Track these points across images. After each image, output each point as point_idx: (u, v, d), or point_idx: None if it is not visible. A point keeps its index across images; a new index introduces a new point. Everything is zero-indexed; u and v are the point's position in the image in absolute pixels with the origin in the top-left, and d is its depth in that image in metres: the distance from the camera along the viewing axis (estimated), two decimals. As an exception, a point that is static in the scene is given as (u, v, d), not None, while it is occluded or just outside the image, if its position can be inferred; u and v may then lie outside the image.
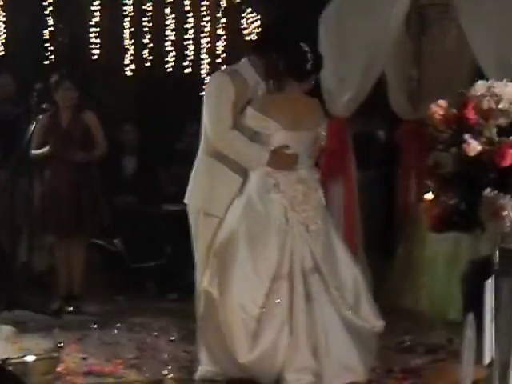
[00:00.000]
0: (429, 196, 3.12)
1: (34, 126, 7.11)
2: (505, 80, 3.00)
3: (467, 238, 5.88)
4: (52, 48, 10.39)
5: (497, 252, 3.00)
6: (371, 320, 4.95)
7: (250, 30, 11.39)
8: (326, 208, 5.15)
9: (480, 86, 2.98)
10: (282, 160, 4.97)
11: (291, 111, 4.99)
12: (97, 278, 7.99)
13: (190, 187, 5.25)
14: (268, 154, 4.95)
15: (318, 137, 5.14)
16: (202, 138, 5.19)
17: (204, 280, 5.00)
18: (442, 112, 2.96)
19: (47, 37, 10.38)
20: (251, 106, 4.97)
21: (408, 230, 7.14)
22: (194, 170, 5.25)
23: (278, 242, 4.87)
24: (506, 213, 2.84)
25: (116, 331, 6.44)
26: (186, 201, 5.25)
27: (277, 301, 4.78)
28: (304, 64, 4.98)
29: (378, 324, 4.96)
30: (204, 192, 5.14)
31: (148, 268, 8.01)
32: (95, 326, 6.59)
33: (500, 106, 2.92)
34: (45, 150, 7.18)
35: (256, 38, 5.47)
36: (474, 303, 4.08)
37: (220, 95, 5.03)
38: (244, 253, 4.87)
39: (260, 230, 4.89)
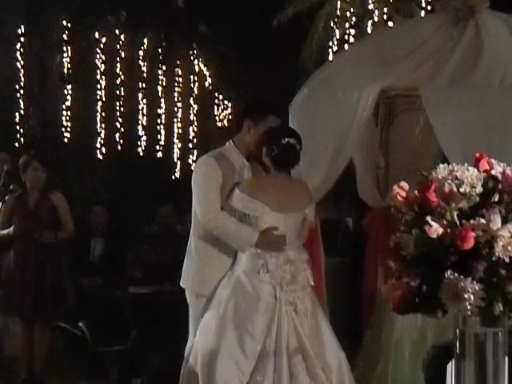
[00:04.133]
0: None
1: (0, 206, 7.11)
2: (466, 164, 3.04)
3: (433, 325, 5.89)
4: (22, 130, 10.45)
5: (457, 335, 3.00)
6: None
7: (221, 116, 11.59)
8: (313, 289, 5.20)
9: (441, 170, 3.02)
10: (271, 241, 5.09)
11: (279, 193, 5.14)
12: (60, 361, 7.87)
13: (183, 271, 5.39)
14: (257, 235, 5.06)
15: (306, 218, 5.23)
16: (192, 220, 5.32)
17: (190, 358, 5.09)
18: (403, 194, 2.99)
19: (18, 119, 10.45)
20: (238, 189, 5.10)
21: (375, 317, 7.11)
22: (186, 253, 5.38)
23: (265, 321, 4.96)
24: (466, 296, 2.84)
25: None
26: (181, 284, 5.38)
27: (260, 378, 4.78)
28: (287, 157, 5.13)
29: None
30: (195, 275, 5.28)
31: (113, 352, 7.90)
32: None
33: (461, 190, 2.95)
34: (10, 229, 7.15)
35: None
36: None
37: (208, 179, 5.17)
38: (231, 331, 4.95)
39: (248, 311, 4.98)
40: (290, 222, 5.16)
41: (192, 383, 4.99)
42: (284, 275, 5.04)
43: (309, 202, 5.33)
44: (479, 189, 2.96)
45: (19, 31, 10.41)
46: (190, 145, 11.76)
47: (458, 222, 2.91)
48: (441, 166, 3.04)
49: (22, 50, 10.41)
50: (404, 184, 3.00)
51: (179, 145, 11.67)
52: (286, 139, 5.16)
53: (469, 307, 2.85)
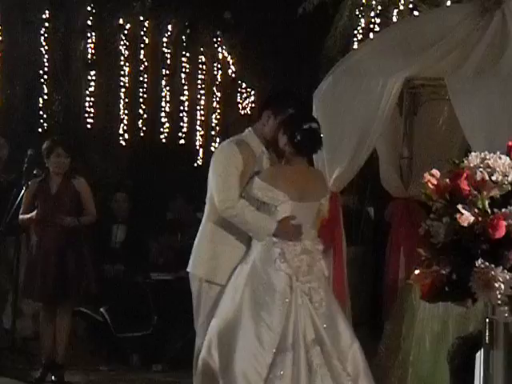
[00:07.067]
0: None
1: (23, 191, 7.12)
2: (498, 152, 3.02)
3: (455, 316, 5.87)
4: (46, 116, 10.44)
5: (487, 325, 2.98)
6: None
7: (244, 104, 11.58)
8: (327, 279, 5.18)
9: (474, 158, 3.01)
10: (288, 230, 5.05)
11: (298, 182, 5.10)
12: (81, 346, 7.89)
13: (193, 255, 5.30)
14: (276, 224, 5.02)
15: (321, 208, 5.20)
16: (207, 205, 5.26)
17: (202, 350, 4.99)
18: (435, 181, 2.97)
19: (41, 105, 10.45)
20: (259, 177, 5.06)
21: (396, 308, 7.09)
22: (197, 237, 5.31)
23: (282, 312, 4.91)
24: (497, 285, 2.82)
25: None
26: (188, 269, 5.31)
27: (280, 373, 4.75)
28: (311, 142, 5.09)
29: None
30: (207, 260, 5.19)
31: (133, 338, 7.92)
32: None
33: (493, 178, 2.93)
34: (32, 214, 7.16)
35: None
36: (462, 380, 4.04)
37: (228, 165, 5.12)
38: (247, 322, 4.90)
39: (264, 300, 4.93)
40: (306, 212, 5.12)
41: (207, 374, 4.93)
42: (300, 265, 4.99)
43: (325, 192, 5.28)
44: (511, 177, 2.94)
45: (43, 16, 10.40)
46: (213, 132, 11.74)
47: (489, 211, 2.90)
48: (473, 154, 3.03)
49: (46, 35, 10.39)
50: (435, 171, 2.99)
51: (202, 132, 11.66)
52: (308, 124, 5.11)
53: (499, 296, 2.84)
